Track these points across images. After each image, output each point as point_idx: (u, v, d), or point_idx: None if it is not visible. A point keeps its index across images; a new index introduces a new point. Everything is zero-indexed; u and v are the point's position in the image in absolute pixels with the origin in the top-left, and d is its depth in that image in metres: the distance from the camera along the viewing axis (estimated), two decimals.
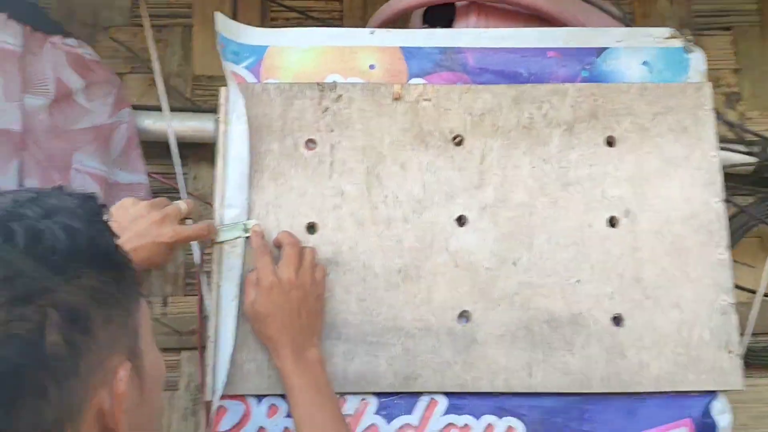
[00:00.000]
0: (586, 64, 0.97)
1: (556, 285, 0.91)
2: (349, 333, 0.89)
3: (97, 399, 0.46)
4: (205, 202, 1.29)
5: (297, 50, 0.97)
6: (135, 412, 0.51)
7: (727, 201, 1.16)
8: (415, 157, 0.93)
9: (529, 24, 1.04)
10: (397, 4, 1.12)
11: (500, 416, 0.88)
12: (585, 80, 0.97)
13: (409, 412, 0.88)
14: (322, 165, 0.93)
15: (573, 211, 0.92)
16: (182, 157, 1.18)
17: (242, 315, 0.87)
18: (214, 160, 0.92)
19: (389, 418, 0.87)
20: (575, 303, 0.90)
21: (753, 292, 1.30)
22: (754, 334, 1.31)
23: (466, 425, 0.87)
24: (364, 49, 0.97)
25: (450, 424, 0.88)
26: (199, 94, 1.45)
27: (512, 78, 0.97)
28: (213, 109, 1.09)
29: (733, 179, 1.31)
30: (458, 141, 0.94)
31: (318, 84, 0.95)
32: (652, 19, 1.50)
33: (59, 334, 0.43)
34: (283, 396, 0.86)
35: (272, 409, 0.87)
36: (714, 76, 1.46)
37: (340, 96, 0.95)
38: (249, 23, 1.00)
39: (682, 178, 0.93)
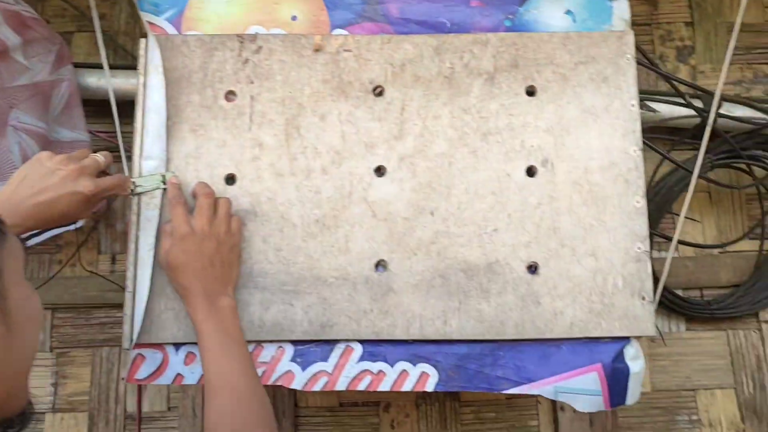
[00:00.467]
0: (509, 14, 0.97)
1: (473, 234, 0.91)
2: (266, 282, 0.90)
3: None
4: None
5: (219, 2, 0.97)
6: (1, 348, 0.52)
7: (666, 156, 1.16)
8: (335, 108, 0.94)
9: None
10: None
11: (414, 363, 0.89)
12: (508, 30, 0.97)
13: (324, 359, 0.89)
14: (242, 116, 0.93)
15: (492, 160, 0.93)
16: (127, 115, 1.18)
17: (158, 265, 0.88)
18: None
19: (304, 365, 0.89)
20: (492, 252, 0.91)
21: (699, 246, 1.31)
22: (697, 288, 1.32)
23: (380, 372, 0.89)
24: (286, 0, 0.97)
25: (365, 371, 0.89)
26: None
27: (435, 28, 0.97)
28: None
29: (677, 133, 1.31)
30: (379, 92, 0.94)
31: (238, 36, 0.95)
32: None
33: None
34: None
35: (189, 357, 0.89)
36: (667, 29, 1.45)
37: (260, 47, 0.94)
38: None
39: (601, 128, 0.93)
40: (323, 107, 0.94)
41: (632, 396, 0.91)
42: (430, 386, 0.88)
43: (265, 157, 0.92)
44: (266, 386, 0.85)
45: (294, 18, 0.96)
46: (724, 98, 1.31)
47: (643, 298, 0.90)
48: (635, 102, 0.94)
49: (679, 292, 1.35)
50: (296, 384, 0.88)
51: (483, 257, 0.91)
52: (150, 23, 0.95)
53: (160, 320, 0.89)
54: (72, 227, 1.31)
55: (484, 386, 0.89)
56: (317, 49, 0.94)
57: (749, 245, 1.36)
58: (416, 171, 0.92)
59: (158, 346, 0.89)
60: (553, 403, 1.30)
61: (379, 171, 0.93)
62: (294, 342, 0.90)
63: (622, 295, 0.90)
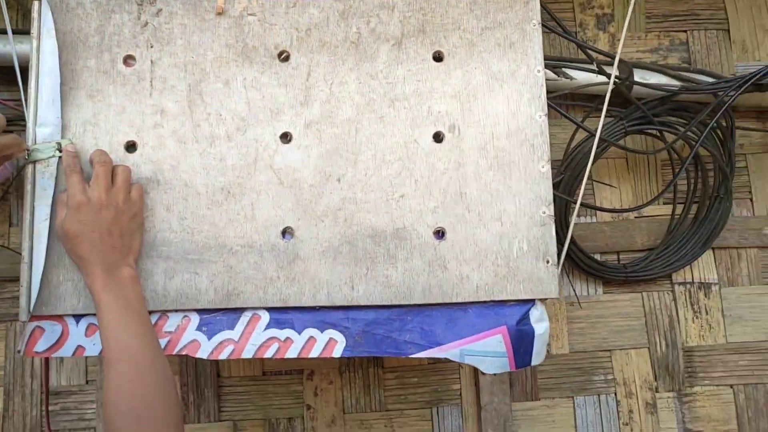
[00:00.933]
0: None
1: (381, 200, 0.91)
2: (170, 251, 0.88)
3: None
4: None
5: None
6: None
7: (577, 123, 1.18)
8: (240, 74, 0.92)
9: None
10: None
11: (322, 330, 0.89)
12: None
13: (230, 327, 0.88)
14: (142, 82, 0.91)
15: (399, 126, 0.92)
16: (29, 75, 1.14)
17: (55, 235, 0.86)
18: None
19: (210, 334, 0.88)
20: (399, 218, 0.91)
21: (614, 211, 1.34)
22: (614, 252, 1.36)
23: (287, 339, 0.89)
24: None
25: (272, 338, 0.89)
26: None
27: None
28: None
29: (595, 100, 1.33)
30: (284, 57, 0.93)
31: None
32: None
33: None
34: None
35: (91, 329, 0.87)
36: None
37: (160, 10, 0.92)
38: None
39: (507, 94, 0.94)
40: (227, 73, 0.92)
41: (537, 357, 0.93)
42: (337, 352, 0.89)
43: (167, 124, 0.90)
44: (171, 356, 0.84)
45: None
46: (638, 66, 1.33)
47: (548, 262, 0.91)
48: (541, 68, 0.94)
49: (597, 257, 1.38)
50: (201, 353, 0.87)
51: (390, 223, 0.91)
52: None
53: (59, 291, 0.86)
54: None
55: (391, 351, 0.90)
56: (220, 13, 0.92)
57: (663, 210, 1.40)
58: (323, 137, 0.91)
59: (57, 317, 0.87)
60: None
61: (285, 138, 0.92)
62: (199, 311, 0.89)
63: (527, 258, 0.91)
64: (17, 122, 1.33)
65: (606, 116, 1.35)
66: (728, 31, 1.46)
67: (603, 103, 1.29)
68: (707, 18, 1.46)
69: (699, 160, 1.34)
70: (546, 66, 1.27)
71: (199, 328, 0.88)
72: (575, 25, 1.45)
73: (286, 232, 0.90)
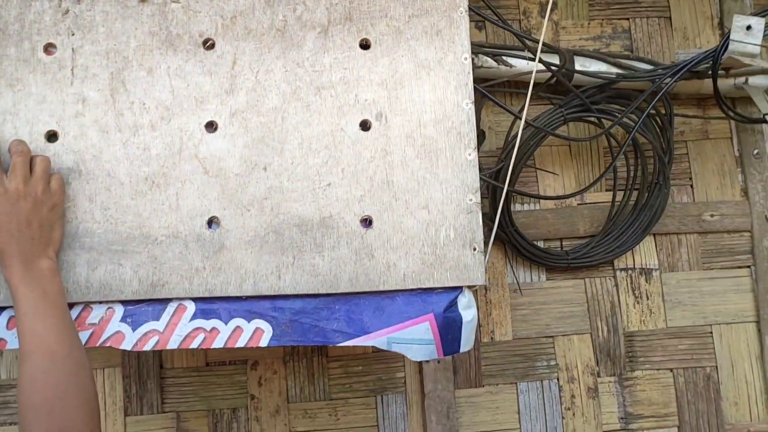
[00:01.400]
0: None
1: (307, 189, 0.91)
2: (93, 242, 0.87)
3: None
4: None
5: None
6: None
7: (512, 113, 1.18)
8: (164, 62, 0.91)
9: None
10: None
11: (249, 319, 0.89)
12: None
13: (156, 318, 0.88)
14: (63, 70, 0.89)
15: (326, 115, 0.92)
16: None
17: None
18: None
19: (135, 325, 0.87)
20: (326, 206, 0.91)
21: (552, 198, 1.35)
22: (557, 239, 1.37)
23: (213, 329, 0.88)
24: None
25: (198, 329, 0.88)
26: None
27: None
28: None
29: (536, 88, 1.33)
30: (209, 45, 0.92)
31: None
32: None
33: None
34: None
35: (12, 322, 0.86)
36: None
37: None
38: None
39: (434, 82, 0.94)
40: (151, 61, 0.91)
41: (466, 343, 0.93)
42: (263, 342, 0.89)
43: (89, 113, 0.89)
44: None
45: None
46: (578, 53, 1.33)
47: (474, 249, 0.92)
48: (468, 55, 0.94)
49: (540, 244, 1.39)
50: (126, 344, 0.87)
51: (317, 212, 0.91)
52: None
53: None
54: None
55: (318, 339, 0.90)
56: (143, 0, 0.91)
57: (605, 197, 1.41)
58: (249, 126, 0.91)
59: None
60: None
61: (211, 126, 0.91)
62: (124, 302, 0.88)
63: (454, 246, 0.92)
64: None
65: (547, 105, 1.37)
66: (670, 18, 1.48)
67: (541, 92, 1.30)
68: (649, 5, 1.47)
69: (638, 147, 1.35)
70: (486, 54, 1.28)
71: (123, 320, 0.87)
72: (519, 13, 1.45)
73: (212, 222, 0.90)
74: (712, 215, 1.41)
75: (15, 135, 0.87)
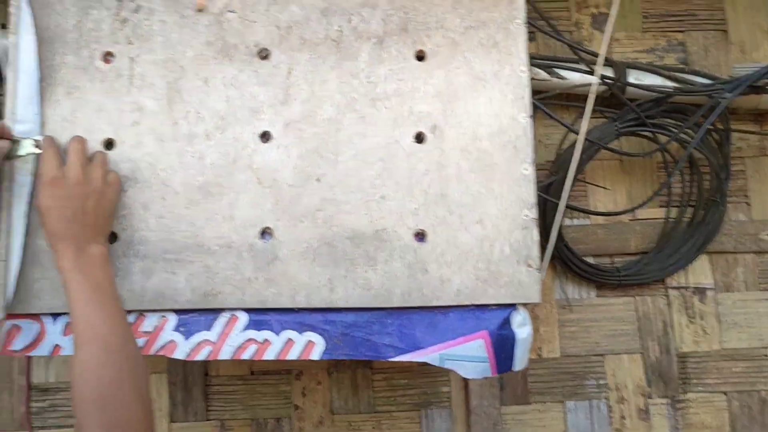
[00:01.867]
0: None
1: (361, 201, 0.90)
2: (147, 250, 0.88)
3: None
4: None
5: None
6: None
7: (566, 126, 1.16)
8: (219, 72, 0.91)
9: None
10: None
11: (301, 331, 0.88)
12: None
13: (208, 328, 0.88)
14: (121, 79, 0.90)
15: (380, 126, 0.91)
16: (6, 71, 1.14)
17: (31, 233, 0.85)
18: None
19: (188, 334, 0.87)
20: (379, 219, 0.90)
21: (606, 214, 1.32)
22: (607, 255, 1.34)
23: (266, 340, 0.88)
24: None
25: (249, 340, 0.88)
26: None
27: None
28: None
29: (592, 102, 1.31)
30: (264, 55, 0.92)
31: None
32: None
33: None
34: None
35: (69, 328, 0.86)
36: None
37: (140, 7, 0.91)
38: None
39: (490, 94, 0.92)
40: (207, 70, 0.91)
41: (520, 362, 0.91)
42: (315, 354, 0.88)
43: (145, 122, 0.89)
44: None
45: None
46: (633, 66, 1.31)
47: (530, 265, 0.90)
48: (525, 68, 0.93)
49: (590, 260, 1.36)
50: (179, 354, 0.87)
51: (370, 225, 0.90)
52: None
53: (35, 289, 0.86)
54: None
55: (370, 354, 0.89)
56: (200, 10, 0.91)
57: (658, 213, 1.38)
58: (303, 137, 0.90)
59: (34, 316, 0.87)
60: None
61: (265, 137, 0.91)
62: (177, 311, 0.88)
63: (509, 262, 0.90)
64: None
65: (599, 118, 1.34)
66: (726, 32, 1.44)
67: (595, 105, 1.28)
68: (705, 18, 1.44)
69: (694, 163, 1.32)
70: (538, 66, 1.26)
71: (176, 329, 0.87)
72: (571, 24, 1.43)
73: (265, 233, 0.89)
74: None
75: None
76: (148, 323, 0.87)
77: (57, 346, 0.86)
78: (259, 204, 0.89)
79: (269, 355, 0.88)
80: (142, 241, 0.88)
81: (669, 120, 1.30)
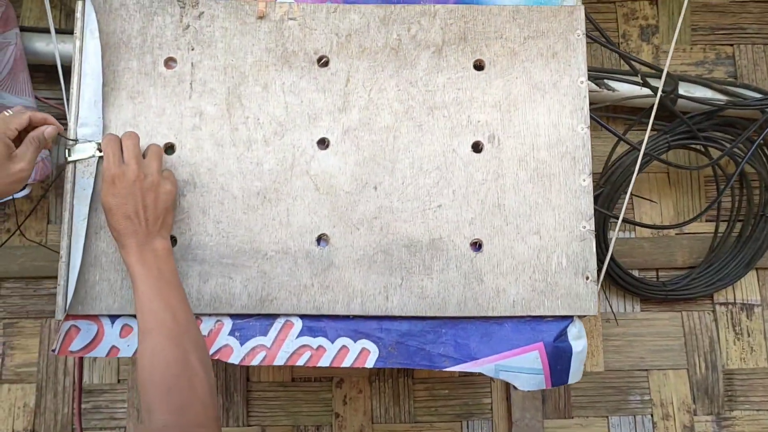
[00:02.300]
0: None
1: (417, 210, 0.90)
2: (205, 254, 0.88)
3: None
4: None
5: None
6: None
7: (618, 136, 1.15)
8: (279, 78, 0.91)
9: None
10: None
11: (355, 339, 0.88)
12: (458, 2, 0.94)
13: (263, 333, 0.88)
14: (182, 84, 0.91)
15: (438, 135, 0.91)
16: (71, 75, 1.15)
17: (91, 235, 0.86)
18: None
19: (243, 339, 0.87)
20: (435, 228, 0.90)
21: (652, 227, 1.31)
22: (653, 269, 1.33)
23: (320, 347, 0.88)
24: None
25: (304, 346, 0.88)
26: None
27: None
28: None
29: (637, 113, 1.30)
30: (323, 62, 0.92)
31: (179, 0, 0.92)
32: None
33: None
34: (135, 316, 0.86)
35: (125, 330, 0.87)
36: (631, 8, 1.44)
37: (202, 13, 0.92)
38: None
39: (549, 104, 0.92)
40: (266, 77, 0.91)
41: (574, 375, 0.90)
42: (370, 362, 0.87)
43: (205, 127, 0.90)
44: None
45: None
46: (683, 79, 1.30)
47: (587, 278, 0.89)
48: (584, 79, 0.92)
49: (635, 273, 1.35)
50: (234, 358, 0.87)
51: (426, 233, 0.89)
52: None
53: (95, 291, 0.87)
54: (19, 195, 1.28)
55: (424, 363, 0.88)
56: (261, 17, 0.92)
57: (706, 227, 1.36)
58: (360, 144, 0.90)
59: (93, 317, 0.87)
60: None
61: (323, 143, 0.91)
62: (232, 316, 0.88)
63: (566, 274, 0.89)
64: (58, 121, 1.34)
65: (644, 129, 1.33)
66: None
67: (646, 116, 1.27)
68: (754, 32, 1.43)
69: (744, 177, 1.30)
70: (588, 77, 1.25)
71: (231, 333, 0.88)
72: (618, 36, 1.42)
73: (321, 239, 0.89)
74: None
75: None
76: (204, 327, 0.88)
77: (114, 347, 0.87)
78: (315, 210, 0.89)
79: (324, 362, 0.87)
80: (199, 246, 0.88)
81: (718, 133, 1.28)
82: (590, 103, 1.23)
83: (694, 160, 1.38)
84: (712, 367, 1.33)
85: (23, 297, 1.33)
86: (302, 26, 0.92)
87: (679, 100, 1.29)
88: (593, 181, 1.20)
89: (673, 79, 1.24)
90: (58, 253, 0.87)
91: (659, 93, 0.85)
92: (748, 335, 1.34)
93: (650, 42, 1.43)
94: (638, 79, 1.23)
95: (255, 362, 0.87)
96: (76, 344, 0.86)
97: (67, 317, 0.86)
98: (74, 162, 0.87)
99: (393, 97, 0.91)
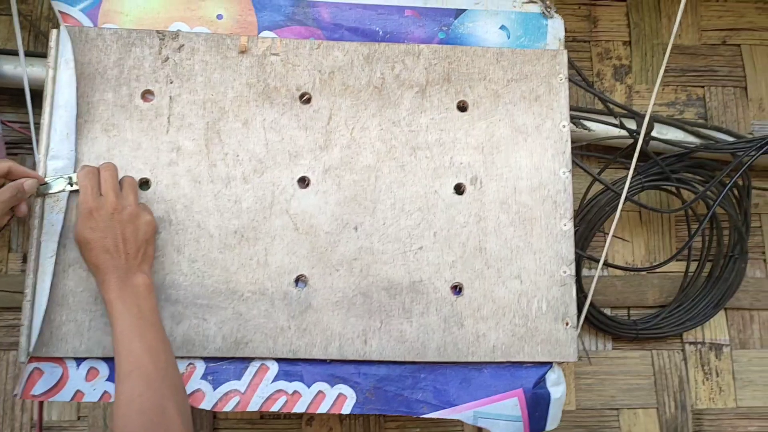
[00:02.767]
0: (444, 26, 0.94)
1: (398, 252, 0.88)
2: (178, 295, 0.85)
3: None
4: None
5: None
6: None
7: (595, 177, 1.16)
8: (259, 114, 0.89)
9: None
10: None
11: (332, 384, 0.86)
12: (441, 42, 0.94)
13: (237, 377, 0.85)
14: (160, 118, 0.88)
15: (420, 176, 0.90)
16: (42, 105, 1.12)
17: (59, 273, 0.83)
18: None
19: (216, 384, 0.84)
20: (416, 270, 0.88)
21: (626, 269, 1.31)
22: (625, 307, 1.33)
23: (295, 392, 0.85)
24: None
25: (279, 391, 0.85)
26: None
27: (367, 36, 0.93)
28: None
29: (612, 152, 1.31)
30: (305, 99, 0.91)
31: (158, 32, 0.89)
32: None
33: None
34: (103, 359, 0.83)
35: (92, 373, 0.83)
36: (605, 48, 1.45)
37: (182, 46, 0.89)
38: None
39: (531, 148, 0.91)
40: (246, 112, 0.89)
41: (552, 421, 0.89)
42: (347, 408, 0.85)
43: (182, 163, 0.88)
44: None
45: (219, 17, 0.92)
46: (656, 120, 1.31)
47: (567, 323, 0.88)
48: (566, 123, 0.92)
49: (607, 311, 1.35)
50: (206, 404, 0.84)
51: (407, 276, 0.88)
52: (63, 13, 0.89)
53: (61, 332, 0.83)
54: None
55: (402, 410, 0.86)
56: (242, 51, 0.90)
57: (676, 266, 1.37)
58: (341, 183, 0.89)
59: (57, 360, 0.83)
60: None
61: (303, 182, 0.89)
62: (206, 359, 0.85)
63: (546, 319, 0.88)
64: (22, 145, 1.30)
65: (620, 168, 1.34)
66: (746, 89, 1.45)
67: (621, 156, 1.28)
68: (725, 75, 1.45)
69: (715, 218, 1.32)
70: None
71: (204, 377, 0.85)
72: (593, 75, 1.44)
73: (299, 280, 0.87)
74: None
75: None
76: None
77: (79, 391, 0.83)
78: (294, 251, 0.87)
79: (299, 407, 0.85)
80: (173, 285, 0.85)
81: (690, 175, 1.30)
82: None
83: (665, 200, 1.39)
84: (682, 406, 1.33)
85: None
86: (285, 62, 0.90)
87: (651, 142, 1.30)
88: None
89: (650, 123, 1.25)
90: (21, 291, 0.83)
91: (641, 136, 0.85)
92: (717, 375, 1.35)
93: (623, 82, 1.44)
94: (615, 120, 1.24)
95: (228, 408, 0.84)
96: (39, 387, 0.82)
97: (31, 359, 0.82)
98: (43, 196, 0.84)
99: (375, 137, 0.90)
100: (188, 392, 0.84)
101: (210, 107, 0.89)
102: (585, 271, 1.36)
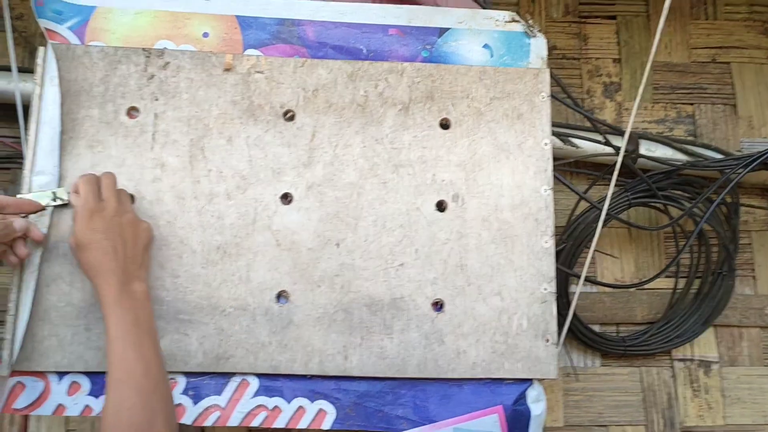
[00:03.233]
0: (427, 44, 0.95)
1: (379, 268, 0.89)
2: (161, 310, 0.86)
3: None
4: None
5: (127, 13, 0.92)
6: None
7: (580, 195, 1.16)
8: (243, 131, 0.90)
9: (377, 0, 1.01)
10: None
11: (312, 399, 0.86)
12: (425, 60, 0.95)
13: (218, 392, 0.85)
14: (144, 135, 0.89)
15: (402, 193, 0.91)
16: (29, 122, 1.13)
17: (42, 285, 0.83)
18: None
19: (196, 399, 0.85)
20: (397, 287, 0.89)
21: (613, 286, 1.32)
22: (613, 324, 1.33)
23: (276, 408, 0.86)
24: (198, 15, 0.93)
25: (259, 406, 0.85)
26: None
27: (351, 54, 0.94)
28: None
29: (601, 168, 1.32)
30: (289, 116, 0.92)
31: (144, 49, 0.90)
32: (536, 5, 1.49)
33: None
34: (85, 373, 0.84)
35: (74, 387, 0.84)
36: (595, 65, 1.47)
37: (168, 63, 0.91)
38: None
39: (513, 165, 0.92)
40: (231, 129, 0.90)
41: None
42: (326, 424, 0.86)
43: (166, 179, 0.88)
44: None
45: (205, 35, 0.93)
46: (644, 137, 1.32)
47: (547, 340, 0.89)
48: (548, 141, 0.93)
49: (596, 328, 1.35)
50: (186, 419, 0.84)
51: (388, 292, 0.88)
52: (50, 31, 0.90)
53: (43, 346, 0.83)
54: None
55: (382, 426, 0.86)
56: (228, 69, 0.91)
57: (665, 283, 1.38)
58: (324, 200, 0.90)
59: (39, 374, 0.84)
60: None
61: (286, 198, 0.90)
62: (187, 374, 0.86)
63: (526, 336, 0.89)
64: (15, 159, 1.31)
65: (606, 185, 1.35)
66: (735, 106, 1.46)
67: (608, 173, 1.28)
68: (714, 92, 1.46)
69: (703, 235, 1.32)
70: (552, 133, 1.27)
71: (185, 392, 0.85)
72: (583, 92, 1.45)
73: (281, 296, 0.88)
74: None
75: None
76: None
77: (61, 405, 0.83)
78: (276, 267, 0.88)
79: (279, 423, 0.85)
80: (155, 301, 0.86)
81: (677, 192, 1.31)
82: (555, 158, 1.25)
83: (654, 216, 1.40)
84: (670, 423, 1.33)
85: None
86: (269, 80, 0.92)
87: (639, 159, 1.31)
88: (556, 236, 1.21)
89: (634, 139, 1.26)
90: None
91: (621, 153, 0.86)
92: (706, 392, 1.35)
93: (613, 99, 1.45)
94: (600, 137, 1.25)
95: (208, 423, 0.84)
96: (21, 401, 0.83)
97: (13, 373, 0.83)
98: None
99: (358, 154, 0.91)
100: None
101: (194, 124, 0.90)
102: (573, 288, 1.36)
